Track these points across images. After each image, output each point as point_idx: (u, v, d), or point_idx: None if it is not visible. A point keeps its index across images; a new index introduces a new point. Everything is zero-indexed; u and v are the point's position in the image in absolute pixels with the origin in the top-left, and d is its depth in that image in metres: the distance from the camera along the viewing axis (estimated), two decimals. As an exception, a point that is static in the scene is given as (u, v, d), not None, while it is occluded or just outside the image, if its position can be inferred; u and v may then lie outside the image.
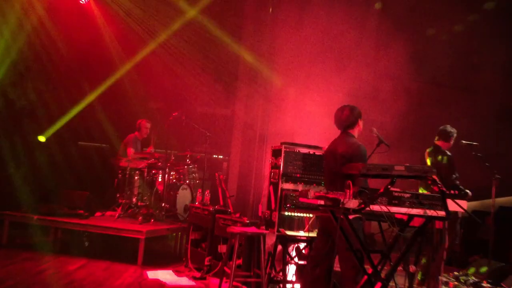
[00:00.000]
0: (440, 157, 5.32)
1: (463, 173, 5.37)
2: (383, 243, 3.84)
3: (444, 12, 8.27)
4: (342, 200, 2.92)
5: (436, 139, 5.52)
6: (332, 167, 3.90)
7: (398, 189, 3.01)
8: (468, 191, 5.14)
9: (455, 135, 5.50)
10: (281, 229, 4.64)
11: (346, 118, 4.00)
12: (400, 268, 4.43)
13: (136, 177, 7.17)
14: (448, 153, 5.38)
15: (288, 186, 4.69)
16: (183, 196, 7.43)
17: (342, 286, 3.76)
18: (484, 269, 5.68)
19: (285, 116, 7.70)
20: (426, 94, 8.05)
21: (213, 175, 7.26)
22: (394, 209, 2.96)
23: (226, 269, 4.72)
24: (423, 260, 5.13)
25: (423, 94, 8.02)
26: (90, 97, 8.98)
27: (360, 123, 4.06)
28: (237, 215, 5.39)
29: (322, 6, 7.88)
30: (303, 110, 7.54)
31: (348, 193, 2.92)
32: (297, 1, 8.09)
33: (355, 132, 4.03)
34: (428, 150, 5.52)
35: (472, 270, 5.99)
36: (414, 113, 7.91)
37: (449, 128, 5.50)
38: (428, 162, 5.41)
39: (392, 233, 3.19)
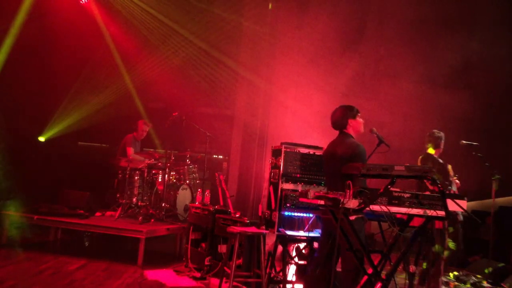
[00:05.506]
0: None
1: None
2: (383, 243, 3.84)
3: (444, 12, 8.27)
4: (342, 200, 2.92)
5: (427, 146, 5.37)
6: (333, 169, 3.87)
7: (398, 189, 3.02)
8: None
9: (443, 138, 5.36)
10: (281, 229, 4.64)
11: (337, 119, 4.02)
12: (400, 268, 4.42)
13: (136, 177, 7.17)
14: (440, 160, 5.23)
15: (288, 186, 4.69)
16: (183, 196, 7.44)
17: (342, 286, 3.75)
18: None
19: (285, 116, 7.70)
20: (426, 94, 8.05)
21: (213, 175, 7.25)
22: (394, 209, 2.97)
23: (226, 269, 4.72)
24: (424, 265, 5.09)
25: (423, 94, 8.01)
26: (90, 97, 8.98)
27: (353, 122, 3.97)
28: (237, 214, 5.39)
29: (322, 6, 7.88)
30: (303, 110, 7.54)
31: (348, 193, 2.92)
32: (298, 1, 8.09)
33: (351, 131, 3.99)
34: (420, 157, 5.36)
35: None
36: (414, 113, 7.91)
37: (436, 133, 5.36)
38: None
39: (392, 233, 3.19)
